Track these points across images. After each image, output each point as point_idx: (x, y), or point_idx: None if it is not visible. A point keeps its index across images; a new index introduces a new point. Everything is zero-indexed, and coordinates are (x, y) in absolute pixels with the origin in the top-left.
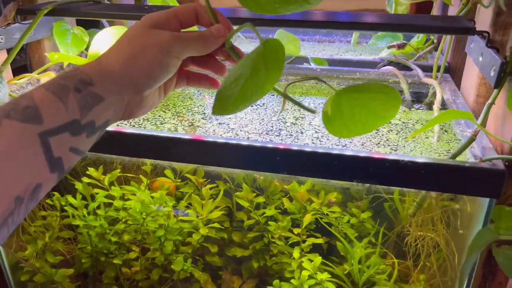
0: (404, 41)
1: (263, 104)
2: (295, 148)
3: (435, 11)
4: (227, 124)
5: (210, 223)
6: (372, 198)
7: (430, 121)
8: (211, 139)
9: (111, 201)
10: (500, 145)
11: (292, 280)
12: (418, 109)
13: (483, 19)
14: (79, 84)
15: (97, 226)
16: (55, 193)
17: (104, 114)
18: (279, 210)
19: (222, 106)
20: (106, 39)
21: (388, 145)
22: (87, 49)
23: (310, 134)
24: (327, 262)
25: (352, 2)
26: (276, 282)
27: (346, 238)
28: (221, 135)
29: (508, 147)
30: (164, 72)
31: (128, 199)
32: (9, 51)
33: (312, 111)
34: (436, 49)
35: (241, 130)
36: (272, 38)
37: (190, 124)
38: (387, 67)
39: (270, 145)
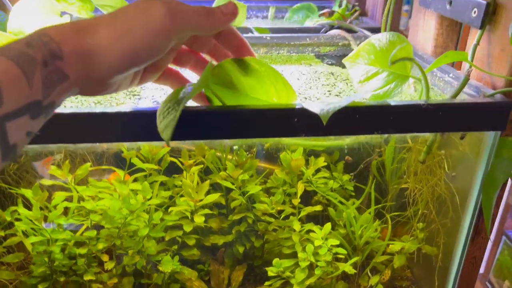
0: (332, 9)
1: None
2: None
3: None
4: None
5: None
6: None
7: (432, 65)
8: None
9: (70, 204)
10: (491, 83)
11: (299, 254)
12: None
13: None
14: (48, 56)
15: (60, 239)
16: None
17: (66, 94)
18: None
19: None
20: (29, 9)
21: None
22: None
23: None
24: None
25: None
26: (276, 260)
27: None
28: None
29: (502, 83)
30: (150, 56)
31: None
32: None
33: None
34: (361, 15)
35: None
36: None
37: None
38: (334, 31)
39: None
